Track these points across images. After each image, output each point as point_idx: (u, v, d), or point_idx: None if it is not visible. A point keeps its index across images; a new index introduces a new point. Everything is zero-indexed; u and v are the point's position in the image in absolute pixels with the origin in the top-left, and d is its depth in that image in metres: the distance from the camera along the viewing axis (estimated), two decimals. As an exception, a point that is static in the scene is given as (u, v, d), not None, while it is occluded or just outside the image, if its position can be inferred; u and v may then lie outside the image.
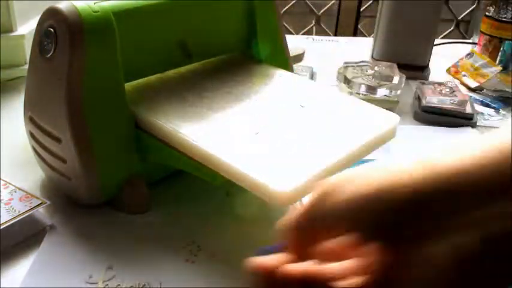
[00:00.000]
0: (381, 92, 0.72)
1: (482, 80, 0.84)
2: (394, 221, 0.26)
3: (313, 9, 1.66)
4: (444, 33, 1.58)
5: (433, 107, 0.71)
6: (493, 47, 0.88)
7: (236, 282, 0.41)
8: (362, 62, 0.80)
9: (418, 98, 0.75)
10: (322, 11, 1.66)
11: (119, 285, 0.40)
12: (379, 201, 0.26)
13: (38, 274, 0.41)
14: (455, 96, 0.73)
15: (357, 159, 0.44)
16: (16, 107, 0.58)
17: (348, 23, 1.68)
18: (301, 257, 0.29)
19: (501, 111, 0.76)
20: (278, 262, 0.28)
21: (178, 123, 0.45)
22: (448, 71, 0.91)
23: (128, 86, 0.48)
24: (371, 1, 1.68)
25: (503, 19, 0.86)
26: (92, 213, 0.48)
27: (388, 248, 0.26)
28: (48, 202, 0.46)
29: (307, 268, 0.27)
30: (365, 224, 0.27)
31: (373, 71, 0.76)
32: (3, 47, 0.76)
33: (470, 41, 1.13)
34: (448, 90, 0.75)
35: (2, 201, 0.45)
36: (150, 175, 0.50)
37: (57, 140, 0.45)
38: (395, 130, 0.47)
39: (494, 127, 0.71)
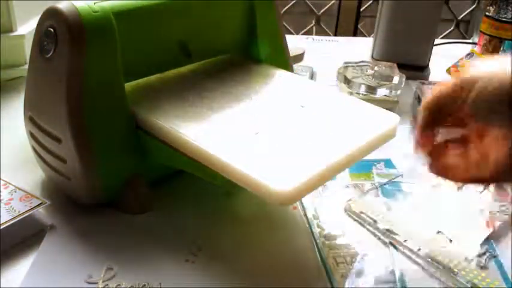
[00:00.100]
0: (381, 92, 0.72)
1: (482, 80, 0.83)
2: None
3: (313, 9, 1.66)
4: (444, 33, 1.58)
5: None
6: (493, 47, 0.88)
7: (236, 282, 0.41)
8: (362, 62, 0.80)
9: (418, 98, 0.75)
10: (322, 11, 1.66)
11: (118, 285, 0.40)
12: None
13: (38, 274, 0.41)
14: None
15: (357, 159, 0.44)
16: (16, 107, 0.58)
17: (348, 23, 1.68)
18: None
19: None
20: None
21: (178, 123, 0.45)
22: (448, 71, 0.91)
23: (128, 86, 0.48)
24: (371, 1, 1.68)
25: (503, 19, 0.86)
26: (92, 213, 0.48)
27: None
28: (48, 202, 0.46)
29: None
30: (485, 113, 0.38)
31: (373, 71, 0.76)
32: (3, 47, 0.76)
33: (470, 41, 1.13)
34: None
35: (2, 201, 0.45)
36: (150, 175, 0.50)
37: (57, 140, 0.45)
38: (396, 130, 0.48)
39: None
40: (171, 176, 0.53)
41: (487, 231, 0.47)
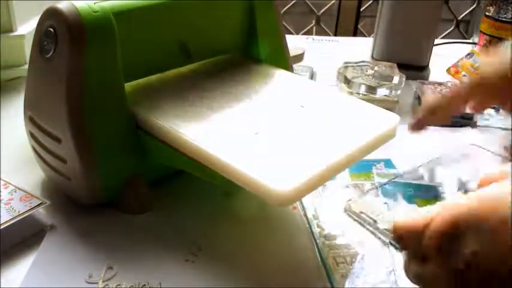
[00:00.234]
0: (381, 92, 0.72)
1: (482, 80, 0.83)
2: None
3: (313, 9, 1.66)
4: (444, 33, 1.58)
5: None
6: (493, 47, 0.88)
7: (236, 282, 0.41)
8: (362, 62, 0.80)
9: (418, 98, 0.75)
10: (322, 11, 1.66)
11: (118, 285, 0.40)
12: None
13: (38, 274, 0.41)
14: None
15: (356, 159, 0.44)
16: (16, 107, 0.58)
17: (348, 23, 1.68)
18: None
19: (501, 111, 0.75)
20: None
21: (178, 123, 0.45)
22: (448, 71, 0.91)
23: (128, 86, 0.48)
24: (371, 1, 1.68)
25: (503, 19, 0.86)
26: (92, 213, 0.48)
27: None
28: (48, 202, 0.46)
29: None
30: None
31: (373, 71, 0.76)
32: (3, 47, 0.76)
33: (470, 41, 1.13)
34: (448, 90, 0.75)
35: (2, 201, 0.45)
36: (150, 175, 0.50)
37: (57, 140, 0.45)
38: (396, 130, 0.48)
39: (494, 127, 0.71)
40: (171, 176, 0.53)
41: None
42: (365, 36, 1.68)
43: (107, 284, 0.40)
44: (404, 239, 0.32)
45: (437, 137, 0.66)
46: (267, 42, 0.59)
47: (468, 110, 0.49)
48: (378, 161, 0.58)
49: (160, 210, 0.49)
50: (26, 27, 0.79)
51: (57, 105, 0.44)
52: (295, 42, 0.89)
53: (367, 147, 0.44)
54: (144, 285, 0.40)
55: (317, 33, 1.66)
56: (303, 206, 0.50)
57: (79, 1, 0.43)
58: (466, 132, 0.68)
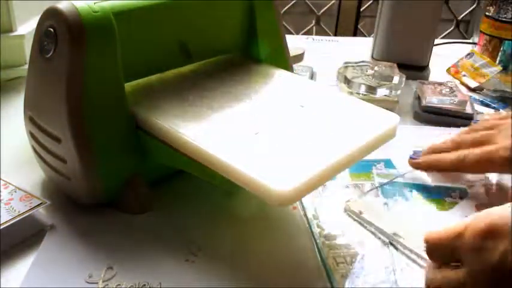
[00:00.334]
0: (381, 92, 0.72)
1: (482, 80, 0.84)
2: None
3: (313, 9, 1.66)
4: (444, 33, 1.58)
5: (433, 107, 0.71)
6: (493, 47, 0.88)
7: (236, 282, 0.41)
8: (362, 62, 0.80)
9: (418, 98, 0.75)
10: (322, 11, 1.66)
11: (118, 285, 0.40)
12: None
13: (38, 274, 0.41)
14: (455, 96, 0.73)
15: (357, 159, 0.44)
16: (16, 107, 0.58)
17: (348, 23, 1.68)
18: None
19: (501, 111, 0.75)
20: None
21: (178, 123, 0.45)
22: (448, 71, 0.91)
23: (128, 86, 0.48)
24: (371, 1, 1.68)
25: (503, 19, 0.86)
26: (92, 213, 0.48)
27: None
28: (48, 202, 0.46)
29: None
30: None
31: (373, 71, 0.76)
32: (3, 47, 0.76)
33: (470, 41, 1.13)
34: (448, 90, 0.75)
35: (2, 201, 0.45)
36: (150, 175, 0.50)
37: (57, 140, 0.45)
38: (396, 130, 0.48)
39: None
40: (171, 176, 0.53)
41: None
42: (365, 36, 1.68)
43: (107, 284, 0.40)
44: (435, 249, 0.37)
45: (437, 137, 0.66)
46: (267, 42, 0.59)
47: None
48: (378, 161, 0.58)
49: (160, 210, 0.49)
50: (26, 27, 0.79)
51: (57, 105, 0.44)
52: (295, 42, 0.89)
53: (367, 147, 0.44)
54: (144, 285, 0.40)
55: (317, 33, 1.66)
56: (303, 206, 0.50)
57: (79, 1, 0.43)
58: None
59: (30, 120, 0.48)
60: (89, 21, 0.43)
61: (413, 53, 0.86)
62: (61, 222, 0.47)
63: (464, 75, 0.87)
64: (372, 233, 0.47)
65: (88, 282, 0.40)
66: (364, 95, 0.72)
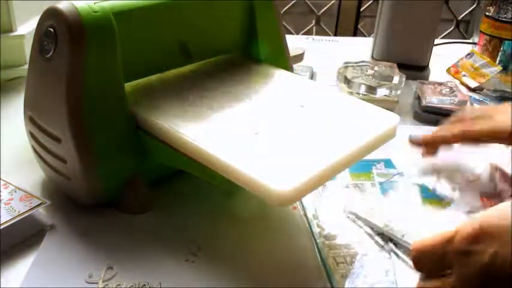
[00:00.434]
0: (381, 92, 0.72)
1: (482, 80, 0.84)
2: None
3: (313, 9, 1.66)
4: (444, 33, 1.58)
5: (433, 107, 0.71)
6: (493, 47, 0.88)
7: (236, 282, 0.41)
8: (362, 62, 0.80)
9: (418, 98, 0.75)
10: (322, 11, 1.66)
11: (118, 285, 0.40)
12: None
13: (38, 274, 0.41)
14: (455, 96, 0.73)
15: (356, 159, 0.44)
16: (16, 107, 0.58)
17: (348, 23, 1.68)
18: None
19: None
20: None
21: (178, 123, 0.45)
22: (448, 71, 0.91)
23: (128, 86, 0.48)
24: (371, 1, 1.68)
25: (503, 19, 0.86)
26: (92, 213, 0.48)
27: None
28: (48, 202, 0.46)
29: None
30: None
31: (373, 71, 0.76)
32: (3, 47, 0.76)
33: (470, 41, 1.13)
34: (448, 90, 0.75)
35: (2, 201, 0.45)
36: (150, 175, 0.50)
37: (57, 140, 0.45)
38: (396, 130, 0.48)
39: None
40: (171, 176, 0.53)
41: None
42: (365, 36, 1.68)
43: (107, 284, 0.40)
44: (424, 257, 0.37)
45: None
46: (267, 42, 0.59)
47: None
48: (378, 161, 0.58)
49: (160, 210, 0.49)
50: (26, 27, 0.79)
51: (57, 105, 0.44)
52: (295, 42, 0.89)
53: (367, 147, 0.44)
54: (144, 285, 0.40)
55: (317, 33, 1.66)
56: (303, 206, 0.50)
57: (79, 1, 0.43)
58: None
59: (30, 120, 0.48)
60: (89, 21, 0.43)
61: (413, 53, 0.86)
62: (61, 222, 0.47)
63: (464, 75, 0.87)
64: (369, 235, 0.47)
65: (88, 282, 0.40)
66: (364, 95, 0.72)
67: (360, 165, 0.56)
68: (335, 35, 1.66)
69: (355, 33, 1.69)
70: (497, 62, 0.87)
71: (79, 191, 0.47)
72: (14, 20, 0.77)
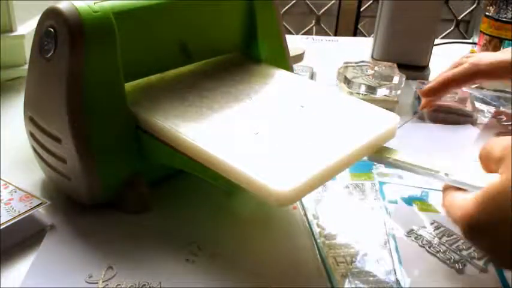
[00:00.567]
0: (381, 92, 0.72)
1: (482, 80, 0.83)
2: None
3: (313, 9, 1.66)
4: (444, 33, 1.58)
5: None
6: (493, 47, 0.88)
7: (236, 282, 0.41)
8: (362, 62, 0.80)
9: (418, 98, 0.75)
10: (322, 11, 1.66)
11: (118, 285, 0.40)
12: None
13: (38, 274, 0.41)
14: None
15: (356, 159, 0.44)
16: (16, 107, 0.58)
17: (348, 23, 1.68)
18: None
19: (501, 108, 0.76)
20: None
21: (178, 123, 0.45)
22: (448, 71, 0.90)
23: (128, 86, 0.48)
24: (371, 1, 1.68)
25: (503, 19, 0.86)
26: (92, 213, 0.48)
27: None
28: (48, 202, 0.46)
29: None
30: None
31: (373, 71, 0.76)
32: (3, 47, 0.76)
33: (470, 41, 1.13)
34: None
35: (2, 201, 0.45)
36: (150, 175, 0.50)
37: (57, 140, 0.45)
38: (395, 130, 0.48)
39: (494, 125, 0.71)
40: (171, 176, 0.53)
41: None
42: (365, 36, 1.68)
43: (107, 284, 0.40)
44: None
45: (437, 136, 0.66)
46: (267, 42, 0.59)
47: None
48: (378, 161, 0.58)
49: (160, 210, 0.49)
50: (26, 27, 0.79)
51: (57, 105, 0.44)
52: (295, 42, 0.89)
53: (367, 147, 0.44)
54: (144, 285, 0.40)
55: (317, 33, 1.66)
56: (303, 206, 0.50)
57: (79, 1, 0.43)
58: (466, 130, 0.68)
59: (30, 120, 0.48)
60: (89, 21, 0.43)
61: (413, 53, 0.86)
62: (61, 222, 0.47)
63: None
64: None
65: (88, 282, 0.40)
66: (364, 95, 0.72)
67: (360, 165, 0.56)
68: (335, 35, 1.66)
69: (355, 33, 1.69)
70: (497, 62, 0.87)
71: (79, 191, 0.47)
72: (14, 20, 0.77)
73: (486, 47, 0.89)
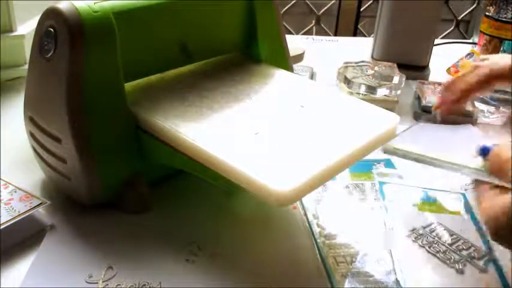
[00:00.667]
0: (381, 92, 0.72)
1: (482, 80, 0.83)
2: None
3: (313, 9, 1.66)
4: (444, 33, 1.58)
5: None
6: (493, 47, 0.88)
7: (236, 282, 0.41)
8: (362, 62, 0.80)
9: (418, 98, 0.75)
10: (322, 11, 1.66)
11: (118, 285, 0.40)
12: None
13: (38, 274, 0.41)
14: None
15: (356, 159, 0.44)
16: (16, 107, 0.58)
17: (348, 23, 1.68)
18: None
19: (501, 108, 0.75)
20: None
21: (178, 123, 0.45)
22: (448, 71, 0.91)
23: (128, 86, 0.48)
24: (371, 1, 1.68)
25: (503, 19, 0.86)
26: (92, 213, 0.48)
27: None
28: (48, 202, 0.46)
29: None
30: None
31: (373, 71, 0.76)
32: (3, 47, 0.76)
33: (470, 41, 1.13)
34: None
35: (2, 201, 0.45)
36: (150, 175, 0.50)
37: (57, 140, 0.45)
38: (395, 130, 0.48)
39: (494, 125, 0.71)
40: (171, 176, 0.53)
41: None
42: (365, 36, 1.68)
43: (107, 284, 0.40)
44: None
45: (437, 135, 0.66)
46: (267, 42, 0.59)
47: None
48: (378, 161, 0.58)
49: (160, 210, 0.49)
50: (26, 27, 0.79)
51: (57, 105, 0.44)
52: (295, 42, 0.89)
53: (367, 147, 0.44)
54: (144, 285, 0.40)
55: (317, 33, 1.66)
56: (303, 206, 0.50)
57: (79, 1, 0.43)
58: (466, 130, 0.68)
59: (30, 120, 0.48)
60: (89, 21, 0.43)
61: (413, 53, 0.86)
62: (61, 222, 0.47)
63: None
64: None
65: (88, 282, 0.40)
66: (364, 95, 0.72)
67: (360, 165, 0.56)
68: (335, 35, 1.66)
69: (355, 33, 1.69)
70: (497, 62, 0.87)
71: (79, 191, 0.47)
72: (14, 20, 0.77)
73: (486, 47, 0.89)
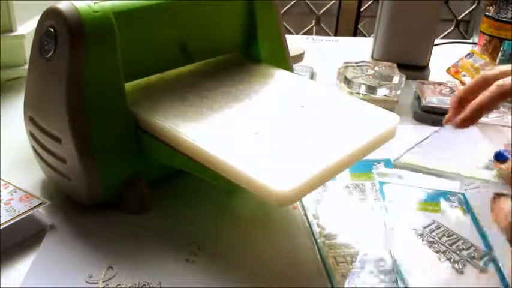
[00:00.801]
0: (381, 92, 0.72)
1: (482, 80, 0.83)
2: None
3: (313, 9, 1.66)
4: (444, 33, 1.58)
5: (433, 107, 0.71)
6: (493, 47, 0.88)
7: (236, 282, 0.41)
8: (362, 62, 0.80)
9: (418, 98, 0.75)
10: (322, 11, 1.66)
11: (118, 285, 0.40)
12: None
13: (38, 274, 0.41)
14: (453, 91, 0.73)
15: (356, 159, 0.44)
16: (16, 107, 0.58)
17: (348, 23, 1.68)
18: None
19: (501, 108, 0.75)
20: None
21: (178, 123, 0.45)
22: (448, 71, 0.91)
23: (128, 86, 0.48)
24: (371, 1, 1.68)
25: (503, 19, 0.86)
26: (92, 213, 0.48)
27: None
28: (48, 202, 0.46)
29: None
30: None
31: (373, 71, 0.76)
32: (3, 47, 0.76)
33: (470, 41, 1.13)
34: (448, 90, 0.75)
35: (2, 201, 0.45)
36: (150, 175, 0.50)
37: (57, 140, 0.45)
38: (396, 130, 0.48)
39: (494, 124, 0.71)
40: (171, 176, 0.53)
41: None
42: (365, 36, 1.68)
43: (107, 284, 0.40)
44: None
45: (437, 135, 0.66)
46: (267, 42, 0.59)
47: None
48: (378, 161, 0.58)
49: (160, 210, 0.49)
50: (26, 27, 0.79)
51: (57, 105, 0.44)
52: (295, 42, 0.89)
53: (367, 147, 0.44)
54: (144, 285, 0.40)
55: (317, 33, 1.66)
56: (303, 206, 0.50)
57: (79, 1, 0.43)
58: (466, 130, 0.68)
59: (30, 120, 0.48)
60: (89, 21, 0.43)
61: (413, 53, 0.86)
62: (61, 222, 0.47)
63: (464, 75, 0.87)
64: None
65: (88, 282, 0.40)
66: (364, 95, 0.72)
67: (360, 165, 0.56)
68: (335, 35, 1.66)
69: (355, 33, 1.69)
70: (497, 62, 0.87)
71: (79, 191, 0.47)
72: (14, 20, 0.77)
73: (486, 47, 0.89)
